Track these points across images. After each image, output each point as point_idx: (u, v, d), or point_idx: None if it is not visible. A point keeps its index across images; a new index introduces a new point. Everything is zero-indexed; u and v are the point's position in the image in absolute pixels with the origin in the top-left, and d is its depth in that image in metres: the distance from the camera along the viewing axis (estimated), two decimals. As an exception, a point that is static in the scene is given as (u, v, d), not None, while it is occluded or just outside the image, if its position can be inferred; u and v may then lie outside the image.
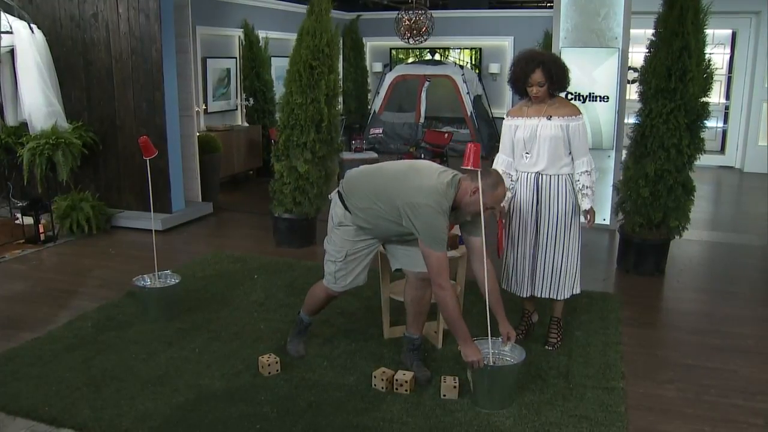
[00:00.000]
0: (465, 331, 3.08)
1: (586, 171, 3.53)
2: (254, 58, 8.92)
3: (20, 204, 6.35)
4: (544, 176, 3.54)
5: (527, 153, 3.55)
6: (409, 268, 3.36)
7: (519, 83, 3.50)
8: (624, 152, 5.38)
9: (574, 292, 3.69)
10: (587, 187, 3.53)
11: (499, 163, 3.73)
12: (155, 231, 4.56)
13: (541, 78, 3.39)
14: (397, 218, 3.10)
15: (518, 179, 3.66)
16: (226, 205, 7.40)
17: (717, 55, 9.67)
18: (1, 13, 5.87)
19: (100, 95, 6.47)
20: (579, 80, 5.55)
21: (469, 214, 3.11)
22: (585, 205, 3.56)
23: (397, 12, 10.14)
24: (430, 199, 2.99)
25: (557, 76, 3.42)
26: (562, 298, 3.67)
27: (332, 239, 3.37)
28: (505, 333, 3.23)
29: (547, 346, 3.73)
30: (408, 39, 10.07)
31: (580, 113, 3.53)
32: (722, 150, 10.21)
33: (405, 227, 3.08)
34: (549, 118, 3.48)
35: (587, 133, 3.58)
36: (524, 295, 3.74)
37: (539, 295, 3.70)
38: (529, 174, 3.58)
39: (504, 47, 12.04)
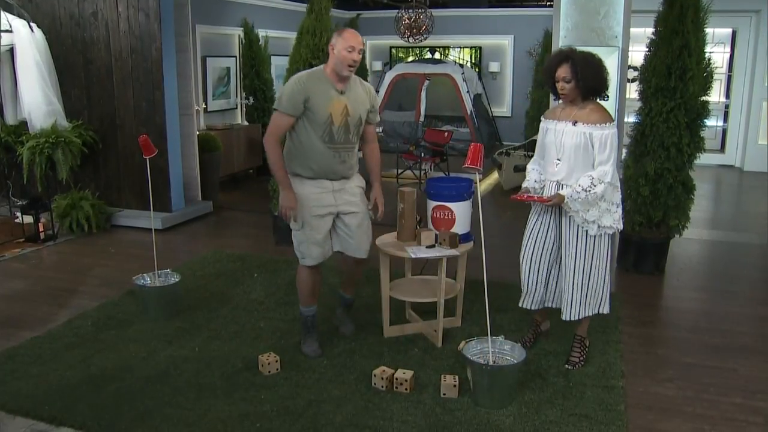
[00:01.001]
0: (284, 178, 3.42)
1: (591, 176, 3.15)
2: (254, 56, 8.91)
3: (20, 203, 6.35)
4: (565, 187, 3.23)
5: (558, 160, 3.27)
6: (348, 252, 3.67)
7: (547, 78, 3.27)
8: (624, 151, 5.38)
9: (601, 311, 3.43)
10: (582, 188, 3.14)
11: (530, 174, 3.46)
12: (155, 230, 4.56)
13: (567, 74, 3.14)
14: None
15: (543, 188, 3.39)
16: (225, 203, 7.40)
17: (717, 54, 9.67)
18: (1, 11, 5.86)
19: (99, 94, 6.47)
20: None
21: (346, 70, 3.36)
22: (564, 191, 3.20)
23: (396, 11, 10.13)
24: (295, 75, 3.50)
25: (583, 74, 3.11)
26: (577, 317, 3.40)
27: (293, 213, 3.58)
28: (373, 199, 3.62)
29: (567, 365, 3.48)
30: (408, 38, 10.06)
31: (610, 121, 3.17)
32: (722, 149, 10.21)
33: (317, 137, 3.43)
34: (574, 123, 3.20)
35: (615, 146, 3.16)
36: (535, 308, 3.58)
37: (552, 306, 3.53)
38: (551, 183, 3.32)
39: (504, 46, 12.04)
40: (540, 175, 3.42)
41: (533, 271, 3.50)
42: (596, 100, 3.25)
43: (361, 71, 12.26)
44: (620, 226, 3.31)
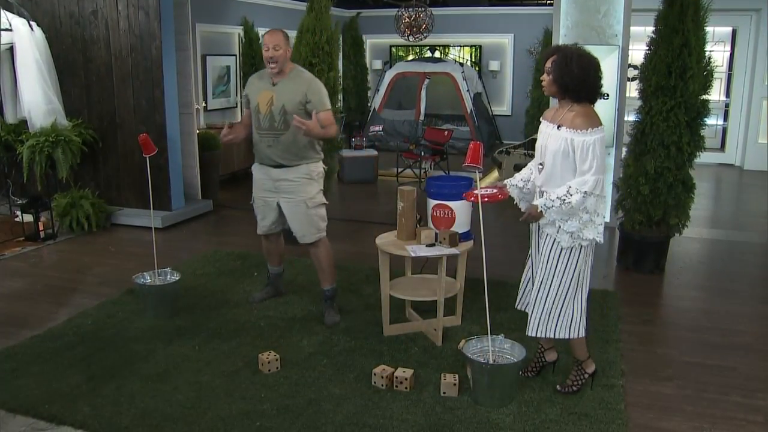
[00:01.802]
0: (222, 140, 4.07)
1: (569, 185, 2.92)
2: (254, 55, 8.88)
3: (20, 201, 6.35)
4: (544, 195, 3.03)
5: (541, 165, 3.08)
6: (299, 241, 4.07)
7: (541, 70, 3.10)
8: (624, 150, 5.37)
9: (572, 336, 3.11)
10: (556, 197, 2.92)
11: (522, 172, 3.28)
12: (155, 228, 4.56)
13: (549, 66, 2.96)
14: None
15: (529, 192, 3.22)
16: (226, 202, 7.40)
17: (717, 53, 9.66)
18: (1, 10, 5.86)
19: (99, 93, 6.47)
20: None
21: (268, 67, 3.81)
22: (536, 200, 3.04)
23: (397, 9, 10.12)
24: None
25: (561, 70, 2.91)
26: (535, 334, 3.15)
27: None
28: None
29: (558, 387, 3.26)
30: (408, 36, 10.05)
31: (594, 127, 2.89)
32: (722, 147, 10.20)
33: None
34: (558, 127, 2.98)
35: (599, 154, 2.89)
36: (520, 308, 3.34)
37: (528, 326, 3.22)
38: (538, 190, 3.12)
39: (504, 44, 12.03)
40: (531, 176, 3.20)
41: (526, 270, 3.34)
42: (586, 102, 2.97)
43: (361, 70, 12.30)
44: (600, 240, 3.03)
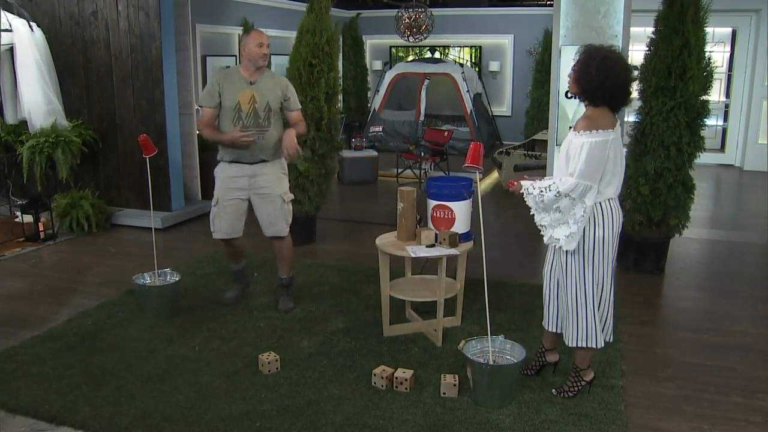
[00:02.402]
0: (221, 135, 3.98)
1: (554, 180, 2.93)
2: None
3: (20, 202, 6.35)
4: (535, 180, 3.03)
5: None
6: (264, 232, 4.23)
7: None
8: (624, 150, 5.36)
9: (589, 345, 3.06)
10: (538, 186, 2.94)
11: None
12: (155, 229, 4.56)
13: (575, 64, 2.92)
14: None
15: None
16: (225, 203, 7.39)
17: (717, 53, 9.66)
18: (1, 11, 5.86)
19: (99, 93, 6.47)
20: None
21: (261, 62, 3.95)
22: (524, 181, 3.03)
23: (397, 10, 10.13)
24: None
25: (579, 72, 2.87)
26: (567, 343, 3.12)
27: (214, 193, 4.17)
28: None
29: (553, 390, 3.24)
30: (408, 37, 10.06)
31: (594, 130, 2.82)
32: (722, 148, 10.20)
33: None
34: (571, 128, 2.98)
35: (585, 158, 2.81)
36: (550, 329, 3.26)
37: (551, 329, 3.25)
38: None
39: (504, 45, 12.04)
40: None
41: (545, 285, 3.23)
42: (604, 106, 2.91)
43: (361, 70, 12.30)
44: (568, 247, 2.93)
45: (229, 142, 3.94)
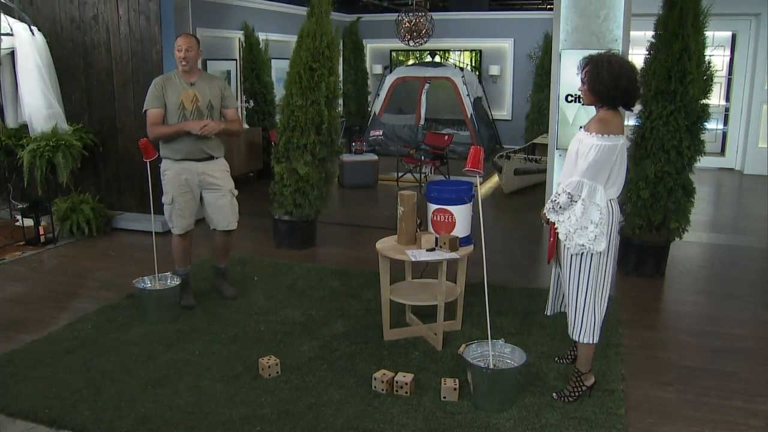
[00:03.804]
0: (173, 127, 4.15)
1: (560, 184, 3.03)
2: (254, 60, 8.92)
3: (20, 206, 6.35)
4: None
5: None
6: (211, 224, 4.44)
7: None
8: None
9: (584, 340, 3.11)
10: (551, 200, 3.05)
11: None
12: (155, 233, 4.56)
13: (584, 76, 3.00)
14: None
15: None
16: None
17: (717, 57, 9.66)
18: (2, 15, 5.87)
19: (100, 97, 6.48)
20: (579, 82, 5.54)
21: (181, 66, 4.25)
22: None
23: (397, 14, 10.16)
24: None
25: (591, 80, 2.95)
26: (571, 335, 3.19)
27: (164, 191, 4.26)
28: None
29: (554, 393, 3.26)
30: (408, 41, 10.08)
31: (605, 134, 2.88)
32: (722, 152, 10.21)
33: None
34: (580, 128, 3.06)
35: (600, 159, 2.88)
36: (549, 313, 3.46)
37: (548, 313, 3.46)
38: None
39: (504, 49, 12.06)
40: None
41: (553, 274, 3.38)
42: (611, 107, 2.98)
43: (362, 74, 12.32)
44: (597, 248, 2.97)
45: (185, 130, 4.11)
